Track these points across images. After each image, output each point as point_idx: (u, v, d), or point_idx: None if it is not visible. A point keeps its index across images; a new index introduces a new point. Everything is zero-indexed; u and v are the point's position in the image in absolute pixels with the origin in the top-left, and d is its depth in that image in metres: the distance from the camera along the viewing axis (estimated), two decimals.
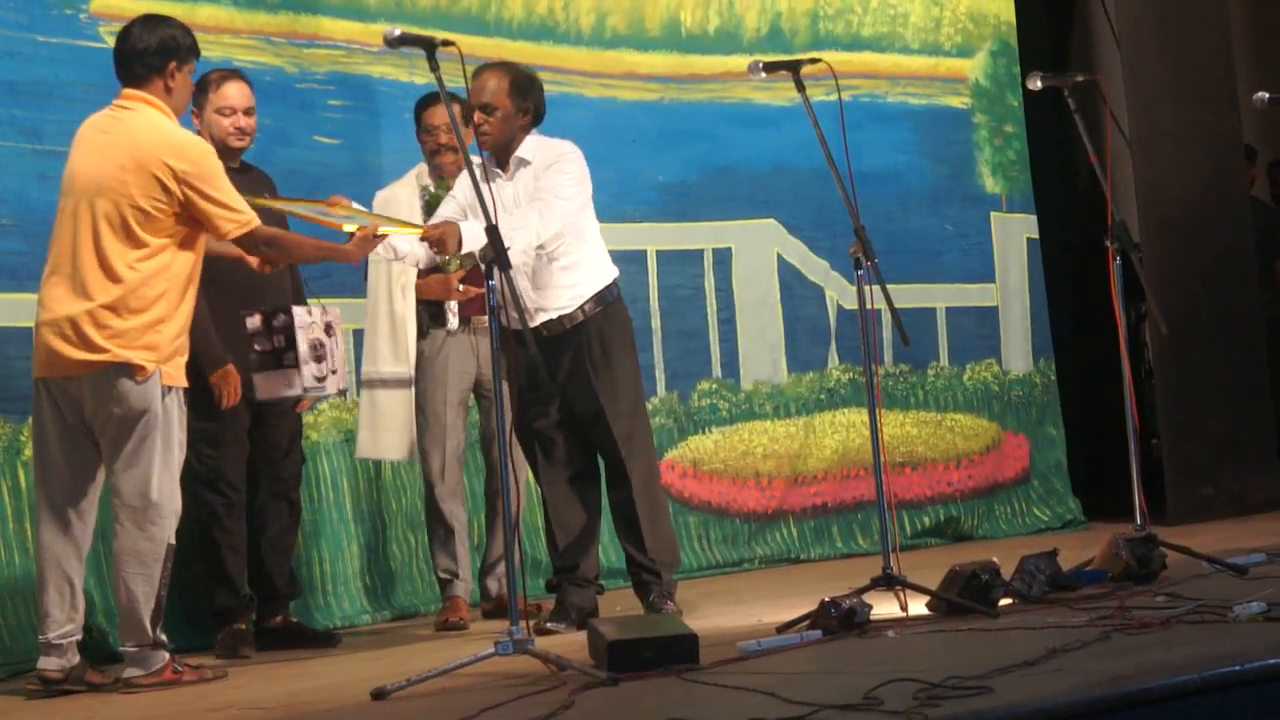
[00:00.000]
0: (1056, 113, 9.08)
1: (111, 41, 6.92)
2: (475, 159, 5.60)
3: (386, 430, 7.02)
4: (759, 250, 9.13)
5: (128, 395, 5.67)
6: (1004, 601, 6.00)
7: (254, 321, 6.15)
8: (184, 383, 5.82)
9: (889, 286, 6.08)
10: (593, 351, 6.60)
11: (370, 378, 7.05)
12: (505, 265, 5.41)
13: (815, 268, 9.29)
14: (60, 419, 5.77)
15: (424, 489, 7.30)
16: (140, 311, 5.69)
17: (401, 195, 7.02)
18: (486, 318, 7.05)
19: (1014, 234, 9.98)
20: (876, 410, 6.11)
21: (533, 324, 6.41)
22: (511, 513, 5.41)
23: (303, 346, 6.11)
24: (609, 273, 6.70)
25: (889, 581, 6.02)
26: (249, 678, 6.05)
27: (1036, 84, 6.91)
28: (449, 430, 7.15)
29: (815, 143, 7.91)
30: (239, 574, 6.65)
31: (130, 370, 5.66)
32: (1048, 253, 10.08)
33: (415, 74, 7.78)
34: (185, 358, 5.82)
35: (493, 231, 5.40)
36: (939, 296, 9.70)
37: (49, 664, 5.75)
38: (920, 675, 4.47)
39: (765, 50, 8.88)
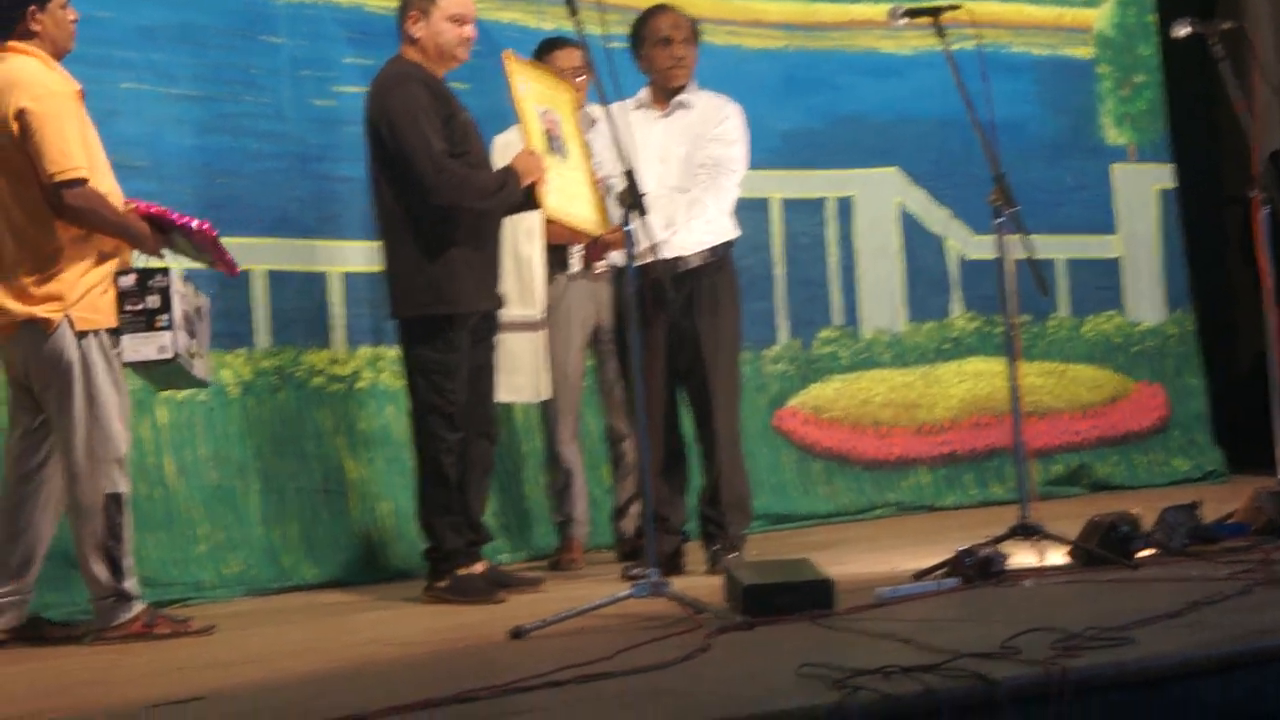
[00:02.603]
0: (1199, 62, 8.94)
1: None
2: (615, 105, 5.58)
3: (517, 373, 6.98)
4: (880, 199, 9.14)
5: (40, 351, 5.54)
6: (1144, 553, 5.95)
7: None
8: (108, 323, 5.60)
9: (1017, 237, 6.06)
10: (702, 299, 6.61)
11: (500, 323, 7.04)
12: (643, 210, 5.42)
13: (937, 217, 9.29)
14: (11, 381, 5.73)
15: (545, 434, 7.34)
16: (36, 263, 5.53)
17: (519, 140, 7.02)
18: (604, 263, 7.12)
19: (1142, 185, 9.90)
20: (1016, 359, 6.07)
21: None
22: (648, 458, 5.41)
23: (177, 311, 5.64)
24: (731, 231, 6.73)
25: (1026, 531, 6.00)
26: (390, 614, 6.10)
27: (1182, 31, 6.83)
28: (570, 376, 7.18)
29: (939, 92, 7.84)
30: (474, 513, 6.40)
31: (36, 325, 5.53)
32: (1186, 203, 9.98)
33: (544, 19, 7.80)
34: (107, 295, 5.59)
35: (630, 176, 5.41)
36: (1058, 248, 9.64)
37: None
38: (1059, 625, 4.42)
39: None
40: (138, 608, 5.61)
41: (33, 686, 4.98)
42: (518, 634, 5.13)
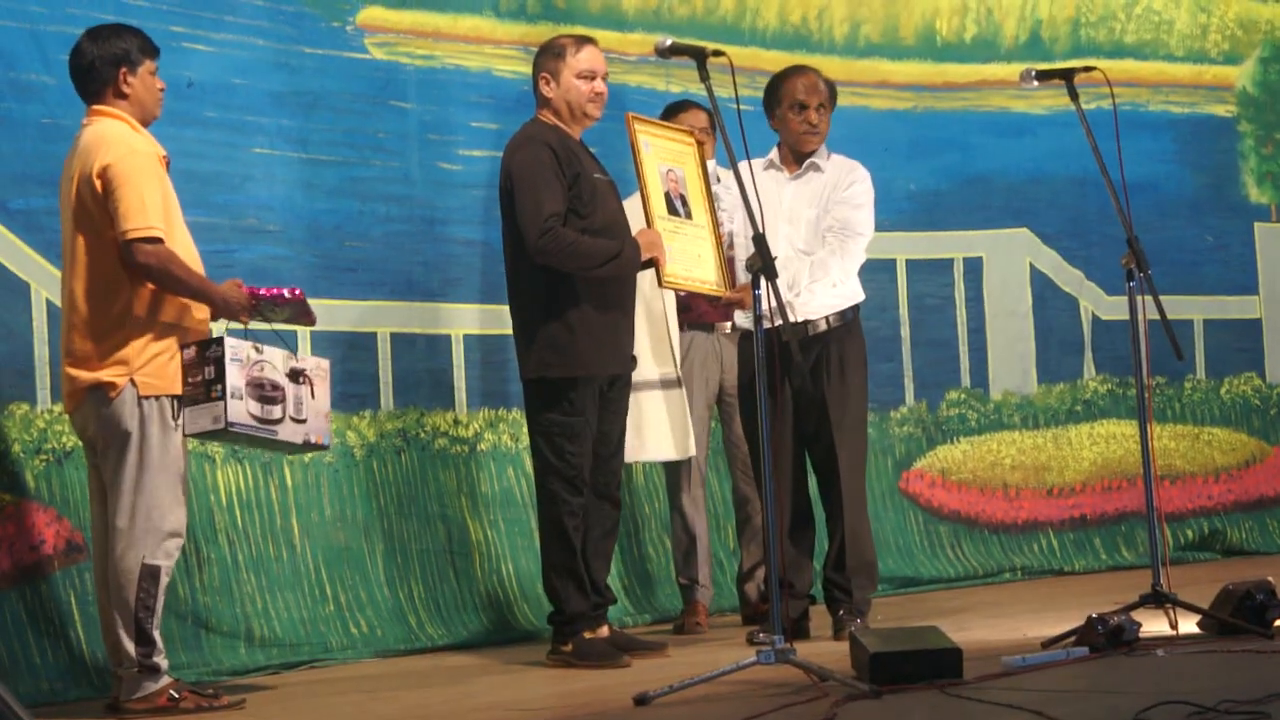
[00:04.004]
0: None
1: (376, 53, 7.05)
2: (743, 167, 5.56)
3: (657, 431, 6.98)
4: (1011, 260, 9.09)
5: (103, 416, 5.50)
6: None
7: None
8: (172, 389, 5.55)
9: (1150, 299, 5.99)
10: (830, 362, 6.60)
11: (635, 383, 6.99)
12: (772, 274, 5.38)
13: (1069, 278, 9.23)
14: (86, 448, 5.69)
15: (668, 495, 7.32)
16: (103, 325, 5.50)
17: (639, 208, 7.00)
18: (729, 325, 7.10)
19: None
20: (1148, 423, 5.99)
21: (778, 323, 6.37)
22: (774, 522, 5.37)
23: (232, 379, 5.53)
24: (858, 295, 6.71)
25: (1159, 599, 5.90)
26: (514, 678, 6.09)
27: None
28: (694, 436, 7.15)
29: (1071, 152, 7.77)
30: (598, 577, 6.35)
31: (101, 389, 5.49)
32: None
33: (672, 83, 7.83)
34: (174, 361, 5.54)
35: (760, 241, 5.38)
36: (1196, 308, 9.55)
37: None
38: (1192, 698, 4.34)
39: (1024, 58, 8.88)
40: (164, 681, 5.50)
41: None
42: (642, 700, 5.09)
